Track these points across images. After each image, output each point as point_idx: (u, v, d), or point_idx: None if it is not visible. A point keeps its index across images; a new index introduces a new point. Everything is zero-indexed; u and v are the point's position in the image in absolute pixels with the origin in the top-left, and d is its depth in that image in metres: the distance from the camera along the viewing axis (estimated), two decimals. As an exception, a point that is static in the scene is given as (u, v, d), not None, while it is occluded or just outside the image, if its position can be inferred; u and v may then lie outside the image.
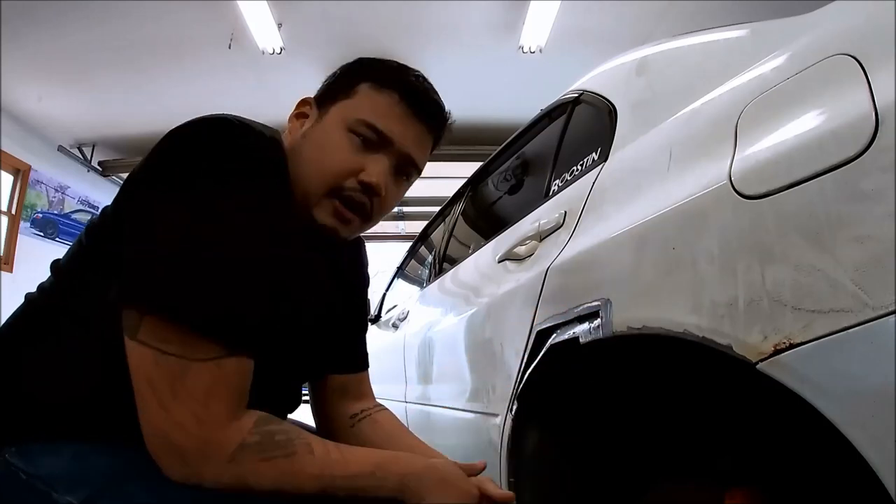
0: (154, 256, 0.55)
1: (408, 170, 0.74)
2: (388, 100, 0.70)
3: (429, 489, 0.64)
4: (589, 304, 0.80)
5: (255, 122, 0.68)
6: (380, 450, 0.68)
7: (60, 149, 5.96)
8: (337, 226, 0.70)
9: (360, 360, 0.95)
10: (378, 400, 0.97)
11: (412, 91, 0.71)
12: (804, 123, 0.54)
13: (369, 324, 2.99)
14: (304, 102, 0.77)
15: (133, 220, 0.58)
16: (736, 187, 0.59)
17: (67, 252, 0.67)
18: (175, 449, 0.55)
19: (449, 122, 0.77)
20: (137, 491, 0.57)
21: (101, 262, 0.61)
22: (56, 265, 0.67)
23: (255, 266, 0.58)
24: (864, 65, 0.51)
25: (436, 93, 0.74)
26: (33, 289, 0.68)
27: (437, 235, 2.35)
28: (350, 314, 0.92)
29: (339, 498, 0.61)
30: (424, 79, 0.74)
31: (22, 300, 0.67)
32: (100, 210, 0.67)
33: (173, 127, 0.62)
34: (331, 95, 0.73)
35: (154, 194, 0.58)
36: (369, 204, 0.71)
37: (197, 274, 0.55)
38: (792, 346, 0.49)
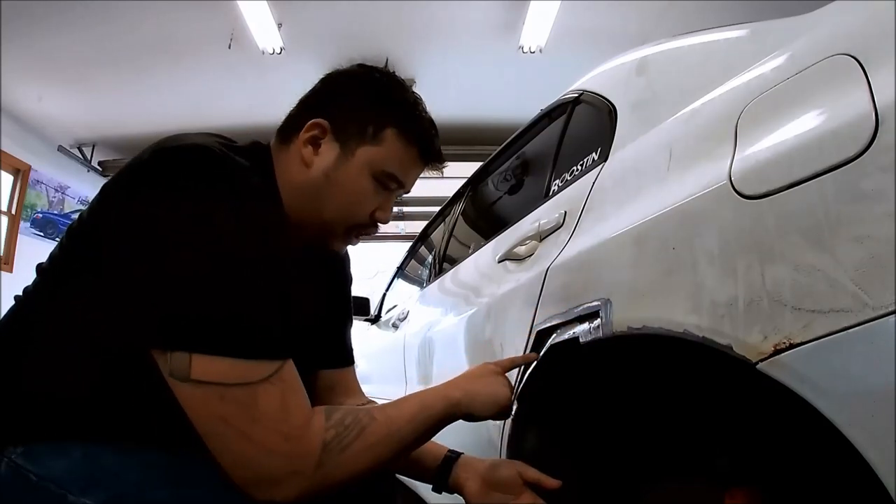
0: (181, 295, 0.54)
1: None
2: (411, 154, 0.78)
3: (472, 391, 0.74)
4: (589, 304, 0.80)
5: (228, 143, 0.68)
6: (415, 392, 0.73)
7: (60, 149, 5.95)
8: (346, 248, 0.85)
9: (345, 355, 0.97)
10: (378, 400, 0.97)
11: (430, 147, 0.79)
12: (804, 123, 0.54)
13: (370, 324, 3.02)
14: (316, 125, 0.74)
15: (140, 256, 0.56)
16: (736, 187, 0.59)
17: (50, 255, 0.66)
18: (265, 476, 0.55)
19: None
20: (159, 496, 0.57)
21: (86, 263, 0.60)
22: (40, 267, 0.67)
23: (268, 280, 0.59)
24: (864, 65, 0.51)
25: (438, 136, 0.82)
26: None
27: (437, 235, 2.35)
28: (336, 309, 0.93)
29: (407, 453, 0.67)
30: (432, 121, 0.81)
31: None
32: (78, 216, 0.65)
33: (156, 145, 0.61)
34: (354, 132, 0.74)
35: (151, 228, 0.56)
36: (374, 231, 0.83)
37: (225, 297, 0.55)
38: (792, 346, 0.49)
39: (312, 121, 0.75)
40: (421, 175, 0.86)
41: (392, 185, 0.78)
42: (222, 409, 0.54)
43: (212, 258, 0.55)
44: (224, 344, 0.54)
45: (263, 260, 0.59)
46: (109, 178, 0.63)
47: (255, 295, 0.57)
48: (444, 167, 0.85)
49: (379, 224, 0.81)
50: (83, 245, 0.62)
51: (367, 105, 0.76)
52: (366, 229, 0.81)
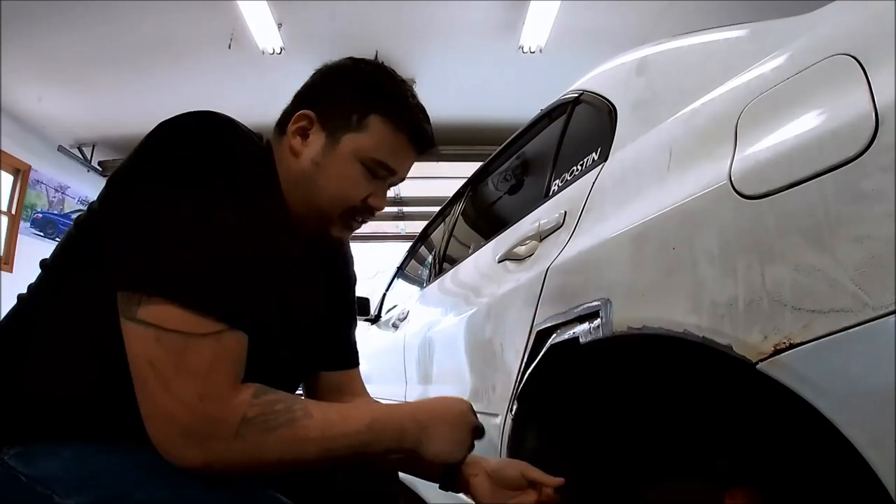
0: (149, 242, 0.57)
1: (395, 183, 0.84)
2: (400, 140, 0.78)
3: (427, 433, 0.69)
4: (589, 304, 0.80)
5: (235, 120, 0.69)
6: (380, 405, 0.71)
7: (60, 149, 5.95)
8: (345, 236, 0.83)
9: (350, 357, 0.96)
10: (377, 400, 0.97)
11: (419, 132, 0.79)
12: (804, 123, 0.54)
13: (370, 324, 3.01)
14: (303, 116, 0.76)
15: (123, 208, 0.59)
16: (736, 187, 0.59)
17: (56, 249, 0.68)
18: (180, 429, 0.55)
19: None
20: (144, 497, 0.57)
21: (90, 258, 0.61)
22: (44, 263, 0.67)
23: (247, 247, 0.60)
24: (864, 65, 0.51)
25: (428, 119, 0.81)
26: (33, 289, 0.68)
27: (437, 235, 2.35)
28: (338, 310, 0.93)
29: (340, 464, 0.63)
30: (419, 103, 0.80)
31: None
32: (87, 206, 0.67)
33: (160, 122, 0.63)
34: (339, 120, 0.76)
35: (141, 184, 0.59)
36: (369, 218, 0.83)
37: (193, 255, 0.57)
38: (792, 346, 0.49)
39: (300, 112, 0.77)
40: (418, 169, 0.86)
41: (382, 172, 0.78)
42: (153, 352, 0.55)
43: (194, 219, 0.58)
44: (175, 291, 0.55)
45: (242, 226, 0.60)
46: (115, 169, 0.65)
47: (221, 255, 0.58)
48: (437, 152, 0.85)
49: (374, 210, 0.80)
50: (89, 234, 0.63)
51: (352, 94, 0.77)
52: (361, 214, 0.81)
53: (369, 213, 0.81)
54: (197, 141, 0.61)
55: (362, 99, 0.76)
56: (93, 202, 0.66)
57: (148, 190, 0.59)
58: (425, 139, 0.80)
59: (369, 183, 0.78)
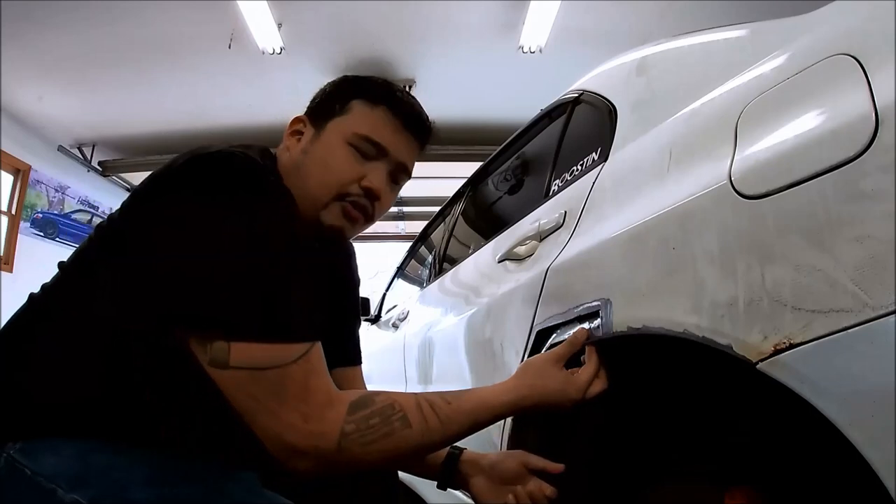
0: (215, 288, 0.58)
1: (400, 175, 0.82)
2: (381, 114, 0.78)
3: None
4: (589, 304, 0.80)
5: (244, 147, 0.70)
6: (475, 396, 0.72)
7: (60, 149, 5.95)
8: (345, 225, 0.78)
9: (353, 355, 0.97)
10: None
11: (400, 105, 0.79)
12: (804, 123, 0.54)
13: (370, 324, 3.02)
14: (297, 120, 0.81)
15: (171, 252, 0.60)
16: (736, 187, 0.59)
17: (76, 252, 0.68)
18: (294, 449, 0.59)
19: (433, 130, 0.85)
20: (143, 495, 0.58)
21: (104, 264, 0.62)
22: (62, 265, 0.68)
23: (295, 269, 0.62)
24: (864, 65, 0.51)
25: (420, 106, 0.82)
26: (33, 289, 0.69)
27: (437, 235, 2.35)
28: (343, 310, 0.94)
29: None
30: (409, 94, 0.83)
31: (22, 300, 0.68)
32: (107, 216, 0.69)
33: (189, 153, 0.64)
34: (324, 113, 0.79)
35: (182, 227, 0.60)
36: (371, 207, 0.79)
37: (261, 291, 0.59)
38: (792, 346, 0.49)
39: (294, 118, 0.82)
40: (419, 169, 0.86)
41: (370, 149, 0.77)
42: (254, 389, 0.58)
43: (243, 252, 0.59)
44: (259, 330, 0.58)
45: (289, 251, 0.62)
46: (140, 183, 0.67)
47: (283, 283, 0.60)
48: (429, 123, 0.83)
49: (371, 192, 0.77)
50: (110, 245, 0.64)
51: (338, 90, 0.81)
52: (358, 199, 0.77)
53: (367, 196, 0.77)
54: (228, 182, 0.62)
55: (346, 90, 0.80)
56: (113, 213, 0.67)
57: (190, 233, 0.60)
58: (410, 113, 0.79)
59: (360, 164, 0.77)
